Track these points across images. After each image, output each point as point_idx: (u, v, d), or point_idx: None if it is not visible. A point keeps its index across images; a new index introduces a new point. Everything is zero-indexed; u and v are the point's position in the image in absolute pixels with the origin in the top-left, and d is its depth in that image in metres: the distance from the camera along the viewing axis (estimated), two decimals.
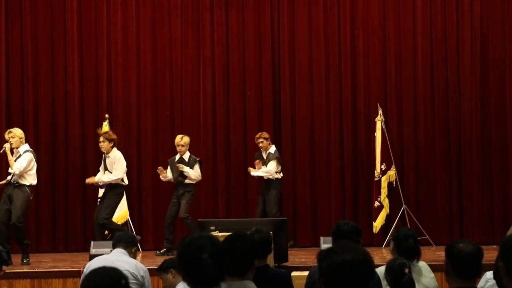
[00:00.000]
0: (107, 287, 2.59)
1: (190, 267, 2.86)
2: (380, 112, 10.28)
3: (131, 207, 10.27)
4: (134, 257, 5.70)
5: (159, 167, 9.77)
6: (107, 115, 10.24)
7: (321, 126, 10.76)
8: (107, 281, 2.60)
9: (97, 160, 10.36)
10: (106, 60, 10.74)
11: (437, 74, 10.78)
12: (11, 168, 8.63)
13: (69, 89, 10.68)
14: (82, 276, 2.79)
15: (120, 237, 5.77)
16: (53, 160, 10.62)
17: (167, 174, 9.80)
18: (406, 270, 4.17)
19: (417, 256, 4.87)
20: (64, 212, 10.56)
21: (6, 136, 8.76)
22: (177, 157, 9.78)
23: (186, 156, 9.76)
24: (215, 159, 10.77)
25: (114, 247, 5.68)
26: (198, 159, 9.81)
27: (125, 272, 5.34)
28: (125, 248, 5.62)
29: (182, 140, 9.76)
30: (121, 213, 10.02)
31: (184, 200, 9.55)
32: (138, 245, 7.96)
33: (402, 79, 10.81)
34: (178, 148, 9.76)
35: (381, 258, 8.39)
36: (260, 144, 9.98)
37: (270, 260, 5.59)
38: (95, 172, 10.36)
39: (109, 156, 9.23)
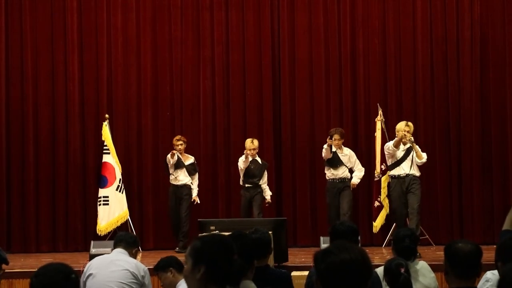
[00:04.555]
0: (59, 282, 2.61)
1: (220, 268, 2.73)
2: (380, 112, 10.28)
3: (131, 207, 10.27)
4: (135, 258, 5.70)
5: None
6: (107, 115, 10.24)
7: (321, 126, 10.75)
8: (59, 276, 2.62)
9: (97, 160, 10.37)
10: (106, 60, 10.73)
11: (437, 74, 10.78)
12: None
13: (69, 89, 10.68)
14: (33, 276, 2.76)
15: (121, 237, 5.77)
16: (53, 160, 10.61)
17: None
18: (402, 270, 4.17)
19: (413, 256, 4.87)
20: (64, 212, 10.55)
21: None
22: (250, 159, 9.85)
23: (259, 158, 9.99)
24: (215, 159, 10.76)
25: (115, 246, 5.69)
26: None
27: (125, 272, 5.41)
28: (125, 248, 5.62)
29: (253, 143, 9.90)
30: (121, 213, 10.03)
31: (259, 200, 9.79)
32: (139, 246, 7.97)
33: (402, 79, 10.81)
34: (250, 152, 9.82)
35: (381, 258, 8.36)
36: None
37: (270, 260, 5.58)
38: (95, 172, 10.38)
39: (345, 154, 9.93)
